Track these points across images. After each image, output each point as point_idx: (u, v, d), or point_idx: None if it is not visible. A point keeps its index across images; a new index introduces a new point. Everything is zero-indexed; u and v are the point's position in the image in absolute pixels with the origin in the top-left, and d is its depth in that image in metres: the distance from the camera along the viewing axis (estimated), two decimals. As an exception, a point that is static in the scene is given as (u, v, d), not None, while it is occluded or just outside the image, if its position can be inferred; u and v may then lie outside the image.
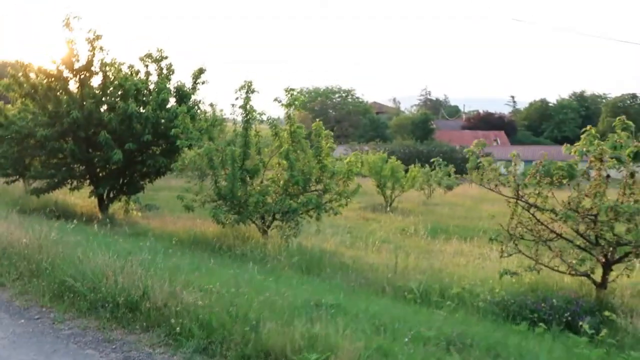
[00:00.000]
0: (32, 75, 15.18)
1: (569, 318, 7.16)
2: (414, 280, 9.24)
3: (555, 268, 8.51)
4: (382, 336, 5.15)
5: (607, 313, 7.17)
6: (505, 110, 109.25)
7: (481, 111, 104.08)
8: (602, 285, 8.39)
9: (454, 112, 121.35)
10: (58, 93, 15.12)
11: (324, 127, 13.26)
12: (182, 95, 16.50)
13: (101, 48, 15.10)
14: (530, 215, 8.43)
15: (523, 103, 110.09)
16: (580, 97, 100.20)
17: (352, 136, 75.12)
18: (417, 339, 5.24)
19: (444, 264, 11.05)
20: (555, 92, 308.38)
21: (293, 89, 12.72)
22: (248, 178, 12.61)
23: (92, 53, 15.12)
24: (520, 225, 8.48)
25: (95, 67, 15.35)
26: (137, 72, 16.55)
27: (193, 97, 16.77)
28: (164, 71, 16.56)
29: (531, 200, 8.28)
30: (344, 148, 65.18)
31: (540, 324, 6.86)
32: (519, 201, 8.45)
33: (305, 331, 4.55)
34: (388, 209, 24.01)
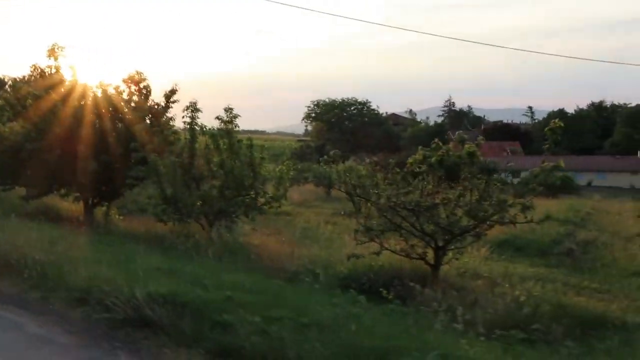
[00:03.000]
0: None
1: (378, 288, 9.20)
2: (297, 264, 11.42)
3: (398, 252, 10.62)
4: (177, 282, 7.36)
5: (410, 283, 9.23)
6: (524, 121, 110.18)
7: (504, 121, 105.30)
8: (434, 266, 10.49)
9: (477, 122, 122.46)
10: (44, 112, 17.65)
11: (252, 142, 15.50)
12: (155, 114, 18.88)
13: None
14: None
15: (542, 113, 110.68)
16: (598, 107, 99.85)
17: (366, 147, 77.02)
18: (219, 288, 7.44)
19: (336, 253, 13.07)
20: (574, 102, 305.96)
21: (232, 108, 15.14)
22: (194, 184, 15.01)
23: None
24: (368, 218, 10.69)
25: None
26: (122, 92, 18.98)
27: (165, 115, 19.16)
28: (143, 91, 18.97)
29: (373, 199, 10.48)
30: (353, 159, 67.47)
31: (351, 290, 8.93)
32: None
33: (93, 275, 6.88)
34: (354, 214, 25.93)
